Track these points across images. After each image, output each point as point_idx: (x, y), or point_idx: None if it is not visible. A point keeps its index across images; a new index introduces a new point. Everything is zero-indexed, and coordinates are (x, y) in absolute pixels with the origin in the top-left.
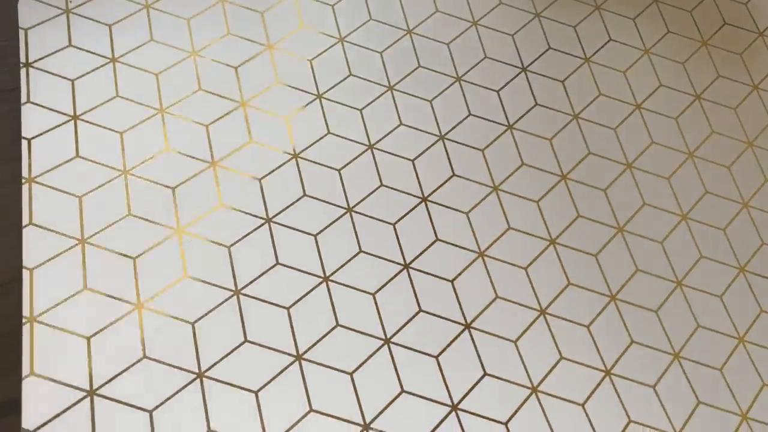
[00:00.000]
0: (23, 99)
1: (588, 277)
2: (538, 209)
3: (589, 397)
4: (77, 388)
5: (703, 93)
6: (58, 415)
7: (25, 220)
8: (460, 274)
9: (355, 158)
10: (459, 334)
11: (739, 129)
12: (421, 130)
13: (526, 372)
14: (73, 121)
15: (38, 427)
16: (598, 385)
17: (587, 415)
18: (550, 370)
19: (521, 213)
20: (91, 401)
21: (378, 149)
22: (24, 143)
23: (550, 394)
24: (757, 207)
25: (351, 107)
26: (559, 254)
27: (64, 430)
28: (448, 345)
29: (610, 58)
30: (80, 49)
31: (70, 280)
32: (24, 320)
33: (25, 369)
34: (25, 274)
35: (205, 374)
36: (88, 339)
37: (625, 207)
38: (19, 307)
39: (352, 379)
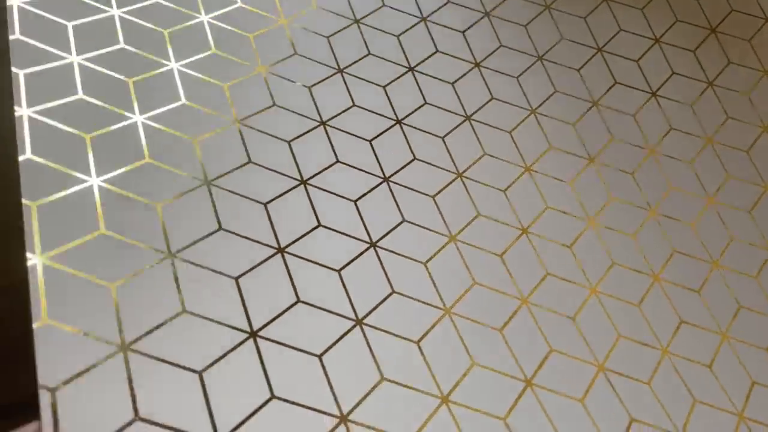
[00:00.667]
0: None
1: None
2: (571, 190)
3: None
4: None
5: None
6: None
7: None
8: (507, 250)
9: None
10: (517, 310)
11: (752, 114)
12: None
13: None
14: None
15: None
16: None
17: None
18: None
19: (555, 193)
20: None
21: (406, 124)
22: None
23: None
24: None
25: (374, 84)
26: (601, 235)
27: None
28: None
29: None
30: None
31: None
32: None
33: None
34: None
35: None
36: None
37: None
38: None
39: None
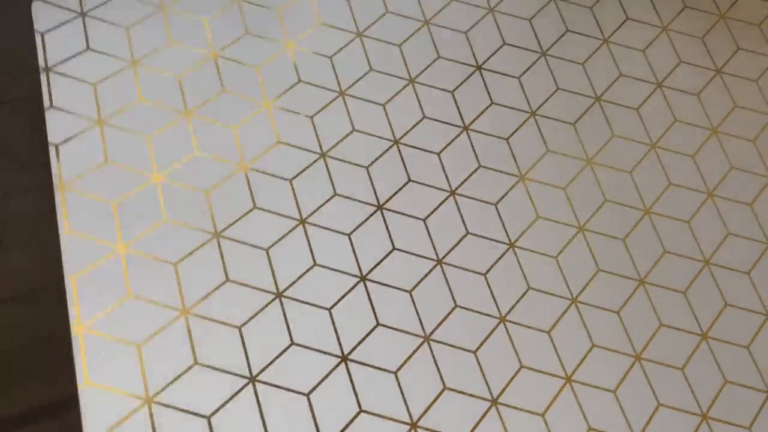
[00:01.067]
0: (46, 104)
1: (617, 262)
2: (565, 196)
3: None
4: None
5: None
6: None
7: (61, 229)
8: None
9: (382, 154)
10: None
11: (761, 101)
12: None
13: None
14: (99, 126)
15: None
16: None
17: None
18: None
19: (549, 202)
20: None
21: (403, 143)
22: (52, 149)
23: (582, 382)
24: None
25: (374, 102)
26: (588, 241)
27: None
28: (486, 339)
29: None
30: (99, 52)
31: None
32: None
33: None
34: (68, 281)
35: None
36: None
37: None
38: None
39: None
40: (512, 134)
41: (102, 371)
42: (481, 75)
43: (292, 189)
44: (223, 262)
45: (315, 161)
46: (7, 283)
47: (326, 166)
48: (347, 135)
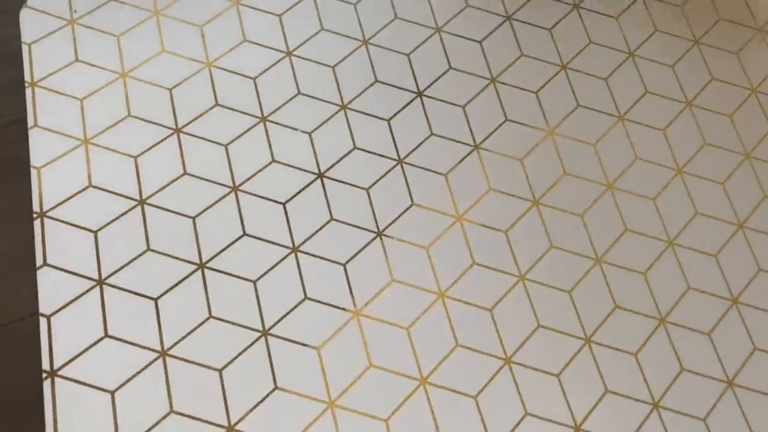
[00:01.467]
0: (30, 123)
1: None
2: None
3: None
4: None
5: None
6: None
7: (39, 260)
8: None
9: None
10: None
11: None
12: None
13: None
14: (84, 146)
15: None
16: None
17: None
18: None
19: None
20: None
21: (408, 163)
22: (33, 172)
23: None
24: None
25: (378, 117)
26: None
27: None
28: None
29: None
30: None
31: (89, 326)
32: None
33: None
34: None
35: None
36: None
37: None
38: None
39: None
40: (527, 154)
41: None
42: (496, 88)
43: (285, 213)
44: (207, 296)
45: (311, 182)
46: None
47: (323, 187)
48: (348, 153)
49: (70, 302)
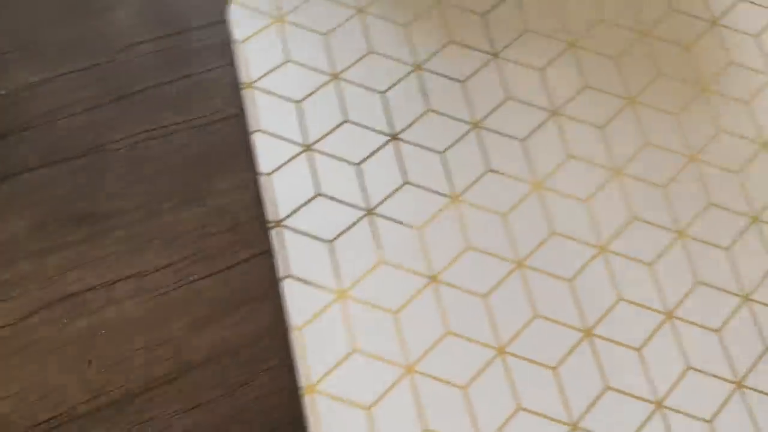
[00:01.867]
0: (251, 127)
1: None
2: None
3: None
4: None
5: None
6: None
7: (281, 272)
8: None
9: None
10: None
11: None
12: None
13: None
14: (306, 152)
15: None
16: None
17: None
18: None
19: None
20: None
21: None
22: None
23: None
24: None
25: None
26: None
27: None
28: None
29: None
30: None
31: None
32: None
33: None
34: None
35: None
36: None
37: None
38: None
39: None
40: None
41: None
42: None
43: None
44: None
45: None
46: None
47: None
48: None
49: (317, 315)
